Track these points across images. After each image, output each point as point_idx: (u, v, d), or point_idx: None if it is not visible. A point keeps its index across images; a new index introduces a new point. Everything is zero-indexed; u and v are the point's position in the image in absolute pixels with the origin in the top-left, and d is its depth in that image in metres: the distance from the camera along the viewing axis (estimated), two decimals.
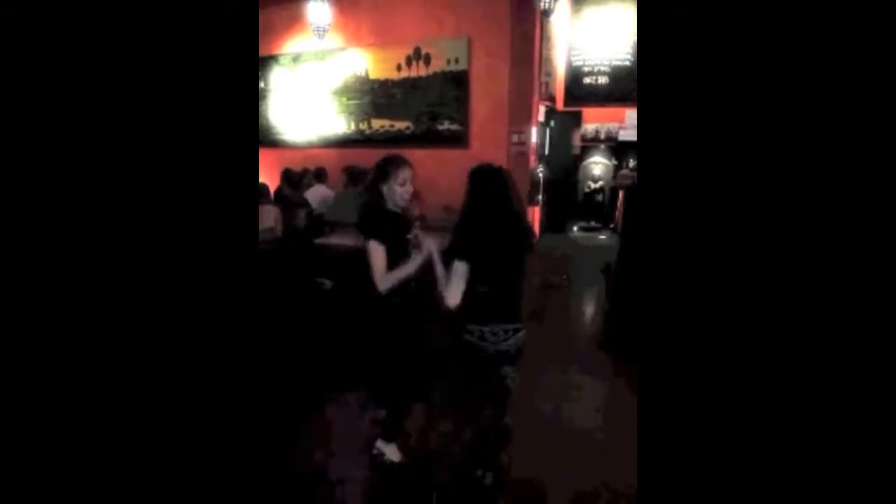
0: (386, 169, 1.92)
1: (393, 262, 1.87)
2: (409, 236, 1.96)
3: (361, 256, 1.93)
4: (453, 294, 1.69)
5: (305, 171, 5.08)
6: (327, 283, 3.51)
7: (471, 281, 1.70)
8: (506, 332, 1.74)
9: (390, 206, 1.94)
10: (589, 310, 4.27)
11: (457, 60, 5.07)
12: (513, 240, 1.74)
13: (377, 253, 1.85)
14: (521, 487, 1.97)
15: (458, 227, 1.75)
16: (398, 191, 1.91)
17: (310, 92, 6.03)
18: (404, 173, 1.91)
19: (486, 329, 1.73)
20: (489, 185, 1.74)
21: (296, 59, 6.08)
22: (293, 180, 4.73)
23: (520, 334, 1.78)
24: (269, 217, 3.79)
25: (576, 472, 2.05)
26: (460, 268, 1.68)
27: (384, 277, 1.85)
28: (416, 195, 2.28)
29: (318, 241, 3.72)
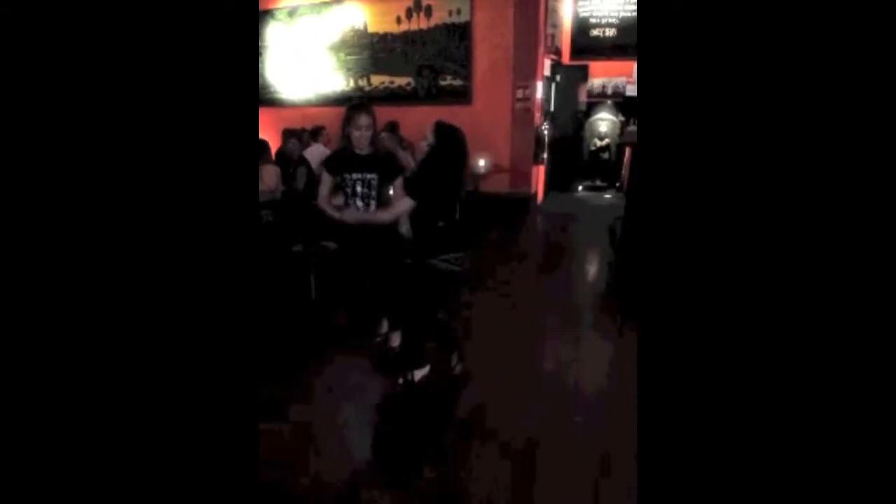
0: (349, 114, 2.31)
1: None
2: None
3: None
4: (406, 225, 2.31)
5: (303, 131, 4.99)
6: (331, 245, 3.49)
7: (433, 217, 2.20)
8: (457, 258, 2.24)
9: (357, 150, 2.32)
10: (593, 269, 4.25)
11: (459, 12, 4.87)
12: (459, 186, 2.25)
13: (323, 179, 2.41)
14: (520, 448, 1.99)
15: (423, 170, 2.25)
16: (355, 134, 2.29)
17: (307, 48, 5.83)
18: (360, 120, 2.28)
19: (449, 255, 2.21)
20: (452, 139, 2.17)
21: (291, 13, 5.85)
22: (294, 133, 4.70)
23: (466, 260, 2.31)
24: (270, 178, 3.71)
25: (577, 431, 2.07)
26: (408, 203, 2.17)
27: (324, 201, 2.38)
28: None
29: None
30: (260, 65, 6.15)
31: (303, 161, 4.39)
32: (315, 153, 4.60)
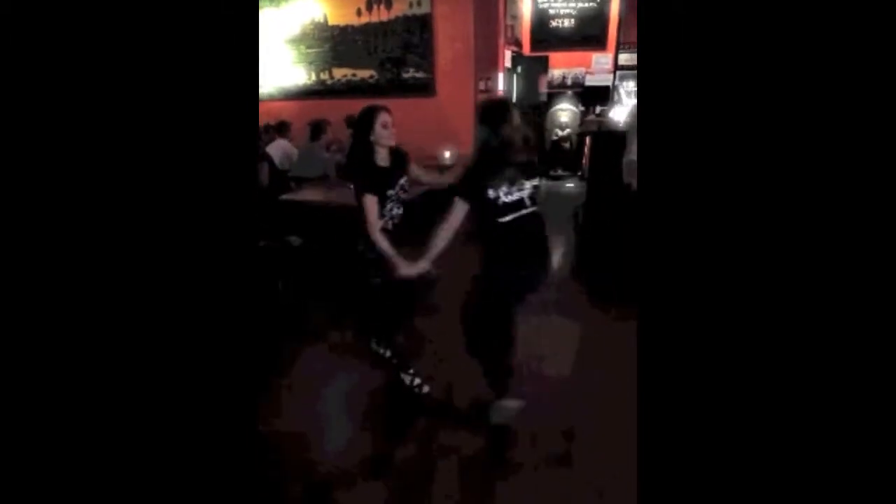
0: (370, 115, 2.04)
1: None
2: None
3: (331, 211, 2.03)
4: None
5: (267, 127, 4.91)
6: (295, 240, 3.47)
7: None
8: None
9: (378, 156, 2.06)
10: (558, 254, 4.36)
11: (419, 3, 4.86)
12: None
13: (371, 204, 2.01)
14: (489, 427, 2.06)
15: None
16: (384, 133, 2.04)
17: (266, 41, 5.71)
18: (387, 117, 2.05)
19: None
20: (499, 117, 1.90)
21: None
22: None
23: None
24: None
25: (550, 413, 2.16)
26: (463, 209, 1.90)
27: (379, 233, 2.01)
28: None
29: (284, 197, 3.63)
30: None
31: (264, 157, 4.33)
32: (279, 148, 4.55)
